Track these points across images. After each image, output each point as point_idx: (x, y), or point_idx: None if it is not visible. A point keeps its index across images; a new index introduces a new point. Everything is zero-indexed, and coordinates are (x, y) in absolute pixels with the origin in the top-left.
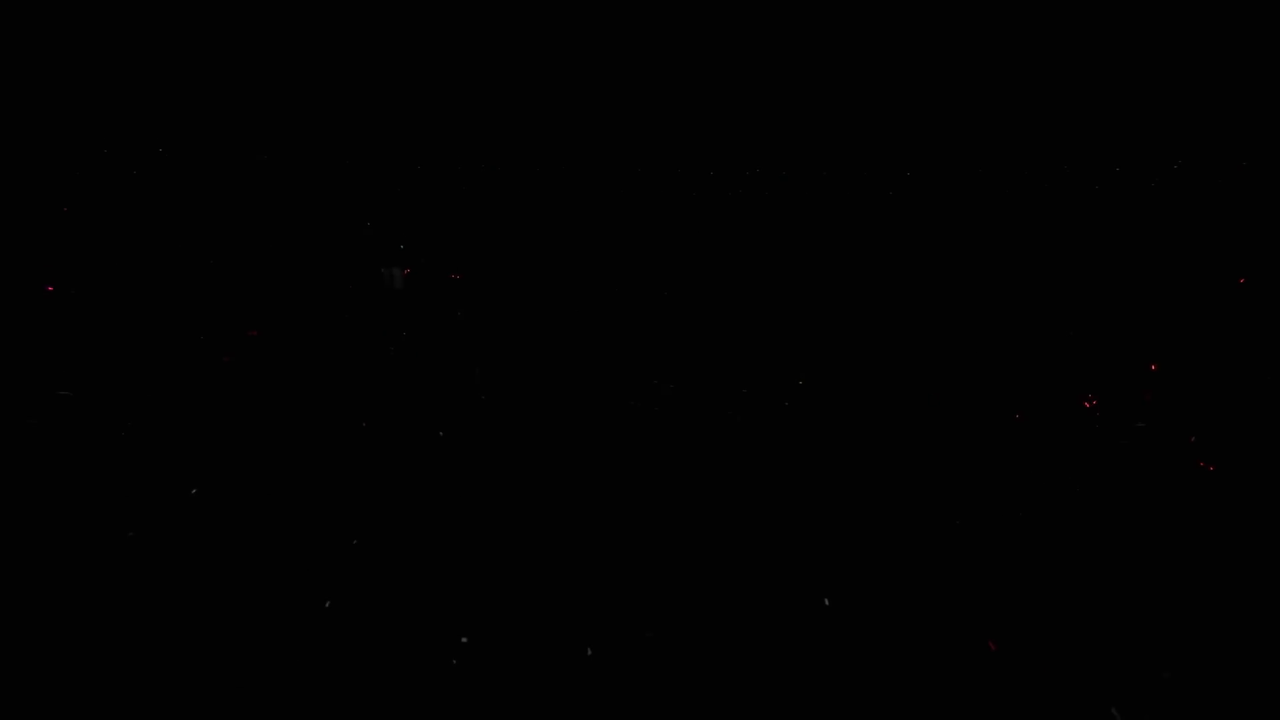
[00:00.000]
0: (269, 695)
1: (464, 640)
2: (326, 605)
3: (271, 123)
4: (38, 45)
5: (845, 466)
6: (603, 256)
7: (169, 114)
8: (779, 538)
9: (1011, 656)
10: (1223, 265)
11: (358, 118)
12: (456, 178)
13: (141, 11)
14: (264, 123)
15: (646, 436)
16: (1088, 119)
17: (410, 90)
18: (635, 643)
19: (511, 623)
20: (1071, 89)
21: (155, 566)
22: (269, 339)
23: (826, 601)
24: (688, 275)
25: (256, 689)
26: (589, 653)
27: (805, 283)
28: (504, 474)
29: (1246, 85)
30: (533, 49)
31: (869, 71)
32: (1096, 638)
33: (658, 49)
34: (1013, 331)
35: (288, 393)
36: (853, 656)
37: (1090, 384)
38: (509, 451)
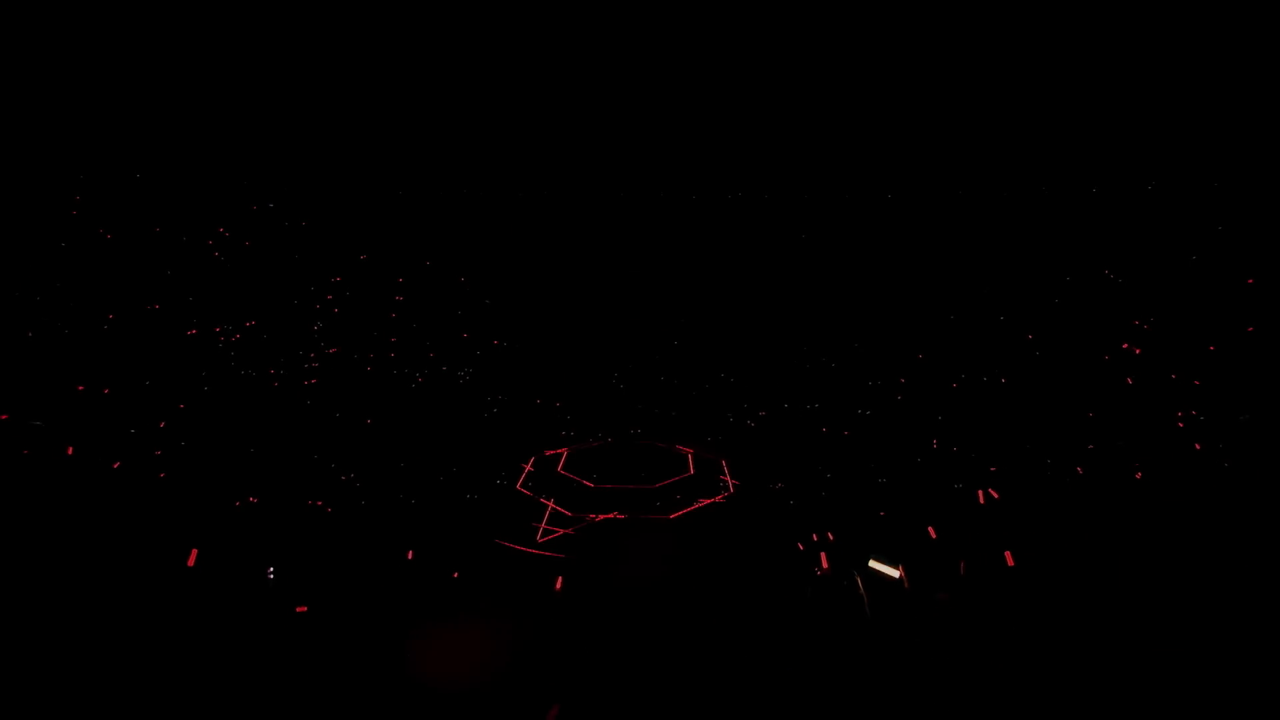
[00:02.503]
0: (267, 696)
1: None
2: (324, 609)
3: (272, 124)
4: (37, 45)
5: (844, 467)
6: (603, 262)
7: (170, 115)
8: (778, 540)
9: (1013, 659)
10: (1222, 267)
11: (358, 122)
12: (456, 182)
13: (143, 12)
14: (265, 125)
15: (647, 437)
16: (1082, 129)
17: (409, 99)
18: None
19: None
20: (1067, 97)
21: (153, 567)
22: (267, 338)
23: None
24: (689, 281)
25: (255, 689)
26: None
27: (800, 293)
28: (503, 474)
29: (1245, 95)
30: (531, 58)
31: (853, 90)
32: (1100, 640)
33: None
34: (1011, 336)
35: (287, 393)
36: (854, 656)
37: (1090, 384)
38: (509, 452)
